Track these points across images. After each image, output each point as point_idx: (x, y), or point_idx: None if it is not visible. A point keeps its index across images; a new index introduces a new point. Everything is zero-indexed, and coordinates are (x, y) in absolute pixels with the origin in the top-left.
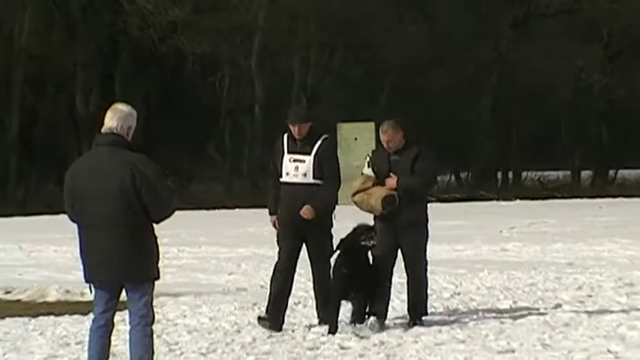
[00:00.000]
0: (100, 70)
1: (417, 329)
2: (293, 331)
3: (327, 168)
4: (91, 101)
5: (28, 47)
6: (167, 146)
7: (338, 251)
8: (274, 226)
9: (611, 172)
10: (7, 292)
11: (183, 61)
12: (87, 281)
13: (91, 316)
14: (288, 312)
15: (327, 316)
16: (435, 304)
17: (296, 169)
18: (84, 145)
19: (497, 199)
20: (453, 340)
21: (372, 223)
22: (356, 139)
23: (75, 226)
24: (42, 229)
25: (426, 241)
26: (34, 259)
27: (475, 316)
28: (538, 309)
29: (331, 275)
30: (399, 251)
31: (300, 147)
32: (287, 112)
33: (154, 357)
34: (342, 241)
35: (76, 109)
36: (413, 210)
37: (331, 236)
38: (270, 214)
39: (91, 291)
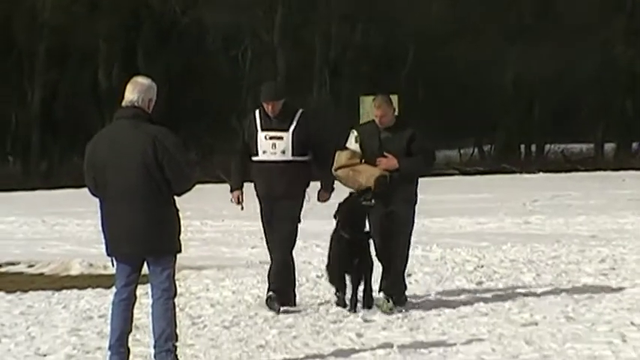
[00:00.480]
0: (122, 43)
1: (440, 300)
2: (316, 304)
3: (319, 143)
4: (114, 74)
5: (51, 21)
6: (189, 119)
7: (337, 217)
8: (238, 201)
9: (635, 145)
10: (31, 266)
11: (205, 34)
12: (109, 254)
13: (114, 289)
14: (311, 285)
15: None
16: (458, 276)
17: (273, 146)
18: (106, 118)
19: (521, 172)
20: (476, 313)
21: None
22: None
23: (97, 199)
24: (65, 203)
25: (413, 220)
26: (57, 232)
27: (498, 289)
28: (561, 281)
29: (330, 244)
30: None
31: (276, 124)
32: (261, 89)
33: (177, 330)
34: (340, 205)
35: (99, 83)
36: (405, 189)
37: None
38: (233, 190)
39: (113, 264)
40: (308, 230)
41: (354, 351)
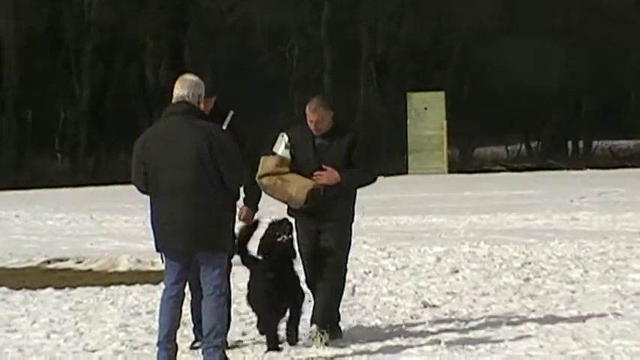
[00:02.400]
0: (169, 40)
1: (487, 296)
2: (362, 300)
3: (248, 151)
4: (161, 72)
5: (98, 18)
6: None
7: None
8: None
9: None
10: (79, 262)
11: (251, 32)
12: (158, 250)
13: (162, 285)
14: (358, 281)
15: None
16: (505, 273)
17: None
18: (154, 115)
19: (568, 169)
20: (523, 310)
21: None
22: (426, 108)
23: (144, 196)
24: (113, 199)
25: (350, 241)
26: (105, 228)
27: (546, 286)
28: (609, 278)
29: (257, 287)
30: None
31: None
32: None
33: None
34: (260, 240)
35: (146, 80)
36: (341, 205)
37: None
38: None
39: (162, 260)
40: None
41: (401, 347)
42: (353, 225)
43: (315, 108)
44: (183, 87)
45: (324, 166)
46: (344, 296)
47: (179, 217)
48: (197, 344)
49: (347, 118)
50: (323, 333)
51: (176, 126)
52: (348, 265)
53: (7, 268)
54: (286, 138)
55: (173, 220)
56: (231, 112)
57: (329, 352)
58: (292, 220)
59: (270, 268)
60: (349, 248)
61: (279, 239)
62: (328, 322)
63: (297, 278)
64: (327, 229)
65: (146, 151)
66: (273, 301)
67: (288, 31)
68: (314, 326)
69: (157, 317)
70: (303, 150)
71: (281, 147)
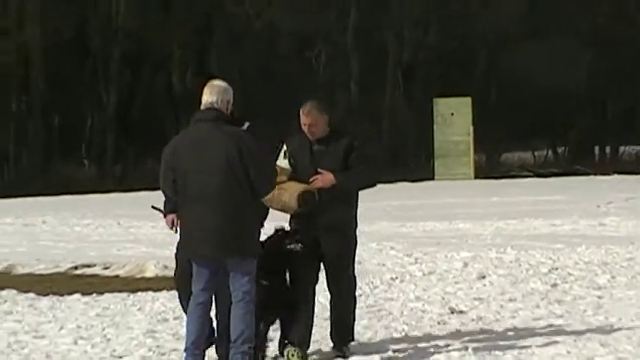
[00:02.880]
0: (196, 46)
1: (514, 302)
2: (389, 306)
3: None
4: (187, 78)
5: (125, 25)
6: (263, 122)
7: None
8: None
9: None
10: (106, 268)
11: (278, 38)
12: (188, 257)
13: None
14: (385, 287)
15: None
16: (532, 278)
17: None
18: (181, 121)
19: (595, 174)
20: (551, 315)
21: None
22: (452, 114)
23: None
24: (140, 205)
25: (354, 249)
26: (132, 234)
27: (573, 291)
28: (636, 283)
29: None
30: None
31: None
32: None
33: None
34: (262, 244)
35: (173, 86)
36: (340, 210)
37: None
38: None
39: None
40: (382, 232)
41: (428, 353)
42: (357, 232)
43: (309, 111)
44: (212, 93)
45: (319, 170)
46: (371, 302)
47: (208, 223)
48: None
49: (374, 124)
50: (340, 353)
51: (205, 132)
52: (356, 273)
53: (35, 274)
54: (285, 147)
55: (201, 226)
56: (247, 123)
57: (357, 359)
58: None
59: (265, 276)
60: (354, 256)
61: (289, 246)
62: (345, 338)
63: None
64: (328, 238)
65: (175, 157)
66: (266, 310)
67: (315, 37)
68: (337, 348)
69: (185, 323)
70: (301, 157)
71: (280, 156)
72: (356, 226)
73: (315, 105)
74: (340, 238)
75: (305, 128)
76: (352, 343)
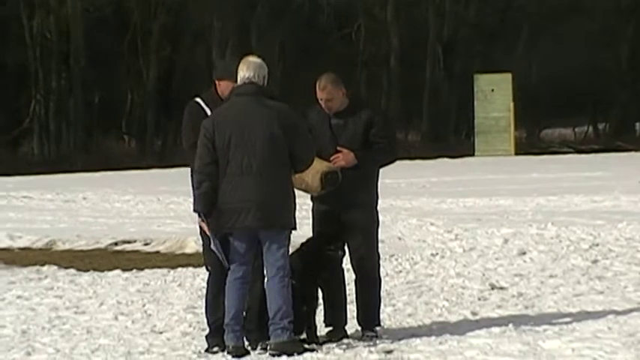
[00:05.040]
0: (236, 21)
1: (555, 278)
2: (430, 282)
3: None
4: (227, 53)
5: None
6: (302, 97)
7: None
8: None
9: None
10: (146, 244)
11: (318, 13)
12: (226, 230)
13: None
14: (425, 263)
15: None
16: (573, 254)
17: None
18: None
19: (636, 150)
20: (591, 292)
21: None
22: (493, 90)
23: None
24: (180, 181)
25: (377, 227)
26: (172, 210)
27: (614, 267)
28: None
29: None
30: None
31: None
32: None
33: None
34: (302, 245)
35: (212, 61)
36: (362, 188)
37: None
38: None
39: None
40: (422, 208)
41: (469, 329)
42: (378, 207)
43: (325, 85)
44: (249, 69)
45: (339, 148)
46: (411, 278)
47: (251, 195)
48: (215, 348)
49: (414, 100)
50: (368, 335)
51: (246, 106)
52: (396, 249)
53: (75, 250)
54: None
55: (244, 198)
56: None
57: (395, 335)
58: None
59: (299, 280)
60: (377, 234)
61: (329, 252)
62: (373, 321)
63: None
64: (350, 219)
65: (216, 131)
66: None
67: (355, 12)
68: (365, 332)
69: (224, 299)
70: (320, 132)
71: None
72: (377, 202)
73: (330, 79)
74: (362, 215)
75: (322, 103)
76: (378, 328)
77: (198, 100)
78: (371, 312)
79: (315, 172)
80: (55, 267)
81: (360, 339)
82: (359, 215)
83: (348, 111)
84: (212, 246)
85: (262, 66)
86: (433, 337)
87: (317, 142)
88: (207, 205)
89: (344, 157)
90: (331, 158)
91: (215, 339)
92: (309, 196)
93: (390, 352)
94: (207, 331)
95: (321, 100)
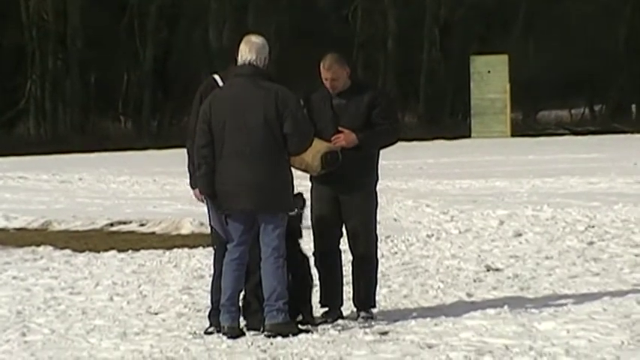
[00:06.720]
0: (233, 2)
1: (551, 260)
2: (425, 264)
3: None
4: (224, 34)
5: None
6: (299, 78)
7: None
8: None
9: None
10: (142, 225)
11: None
12: (222, 212)
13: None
14: (421, 244)
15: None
16: (569, 236)
17: None
18: None
19: (632, 132)
20: (587, 273)
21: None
22: (489, 71)
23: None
24: (176, 162)
25: (376, 208)
26: (167, 191)
27: (610, 249)
28: None
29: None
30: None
31: None
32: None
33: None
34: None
35: (209, 42)
36: (361, 168)
37: None
38: None
39: (226, 223)
40: (418, 190)
41: (464, 311)
42: (377, 188)
43: (330, 65)
44: (251, 50)
45: (340, 128)
46: (407, 259)
47: (246, 177)
48: (211, 329)
49: (410, 82)
50: (363, 316)
51: (243, 88)
52: (392, 230)
53: (71, 230)
54: (301, 102)
55: (239, 181)
56: None
57: (390, 316)
58: (307, 192)
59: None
60: (376, 215)
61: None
62: (369, 302)
63: (306, 260)
64: (349, 200)
65: (212, 112)
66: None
67: None
68: (361, 313)
69: (221, 280)
70: (321, 112)
71: None
72: (377, 182)
73: (335, 58)
74: (362, 196)
75: (327, 83)
76: (373, 310)
77: (215, 76)
78: (367, 293)
79: (315, 152)
80: (51, 248)
81: (356, 320)
82: (358, 196)
83: (351, 91)
84: (212, 222)
85: (264, 46)
86: (428, 319)
87: (318, 122)
88: (208, 186)
89: (345, 138)
90: (332, 138)
91: (216, 318)
92: (307, 176)
93: (385, 333)
94: (209, 309)
95: (326, 79)
